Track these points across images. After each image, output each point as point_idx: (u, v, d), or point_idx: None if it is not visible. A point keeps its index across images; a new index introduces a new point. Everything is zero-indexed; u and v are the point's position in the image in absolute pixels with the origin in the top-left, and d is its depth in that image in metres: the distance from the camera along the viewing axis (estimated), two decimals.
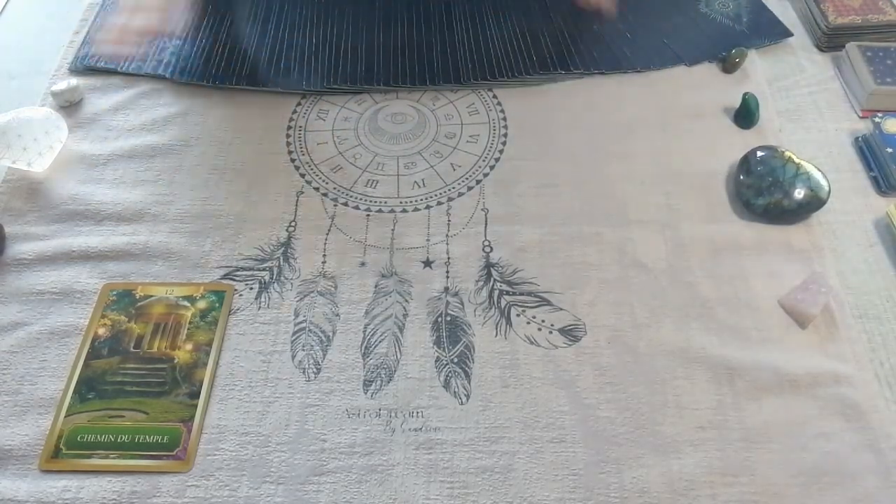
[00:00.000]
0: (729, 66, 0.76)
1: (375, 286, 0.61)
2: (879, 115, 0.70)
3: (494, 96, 0.75)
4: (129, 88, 0.76)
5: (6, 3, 0.87)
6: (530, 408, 0.54)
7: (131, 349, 0.57)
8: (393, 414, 0.54)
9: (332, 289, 0.61)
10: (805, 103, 0.74)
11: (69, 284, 0.61)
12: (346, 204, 0.66)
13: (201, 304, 0.59)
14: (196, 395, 0.55)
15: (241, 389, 0.55)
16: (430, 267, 0.62)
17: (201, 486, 0.51)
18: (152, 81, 0.77)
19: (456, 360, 0.56)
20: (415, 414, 0.54)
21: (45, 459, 0.52)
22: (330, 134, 0.72)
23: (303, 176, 0.69)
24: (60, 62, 0.79)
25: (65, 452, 0.52)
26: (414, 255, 0.63)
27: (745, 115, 0.71)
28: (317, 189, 0.68)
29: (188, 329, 0.58)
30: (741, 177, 0.65)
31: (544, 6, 0.82)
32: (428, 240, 0.64)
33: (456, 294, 0.60)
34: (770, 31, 0.80)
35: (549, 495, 0.50)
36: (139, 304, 0.60)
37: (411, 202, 0.66)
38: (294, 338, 0.58)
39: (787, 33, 0.80)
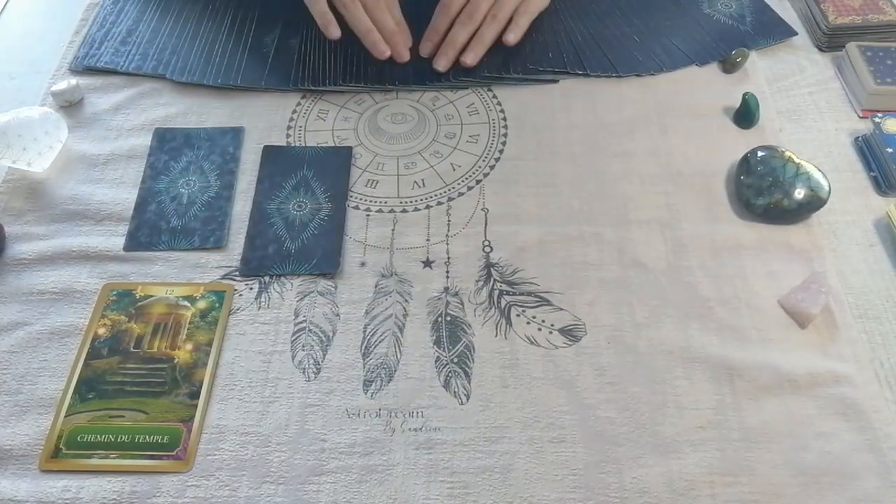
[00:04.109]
0: (729, 66, 0.76)
1: (375, 286, 0.61)
2: (879, 115, 0.70)
3: (494, 96, 0.75)
4: (129, 88, 0.76)
5: (6, 3, 0.87)
6: (530, 408, 0.54)
7: (131, 349, 0.57)
8: (393, 414, 0.54)
9: (332, 289, 0.61)
10: (805, 103, 0.74)
11: (69, 284, 0.61)
12: (346, 204, 0.66)
13: (201, 304, 0.59)
14: (196, 395, 0.55)
15: (241, 389, 0.55)
16: (430, 267, 0.62)
17: (201, 486, 0.51)
18: (152, 81, 0.77)
19: (456, 359, 0.56)
20: (415, 414, 0.54)
21: (45, 459, 0.52)
22: (330, 134, 0.72)
23: None
24: (60, 62, 0.79)
25: (65, 452, 0.52)
26: (414, 255, 0.63)
27: (745, 115, 0.71)
28: None
29: (188, 329, 0.58)
30: (741, 177, 0.65)
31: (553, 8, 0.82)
32: (428, 240, 0.64)
33: (456, 294, 0.60)
34: (774, 31, 0.80)
35: (549, 495, 0.50)
36: (139, 304, 0.60)
37: (411, 202, 0.66)
38: (294, 338, 0.58)
39: (791, 32, 0.80)
